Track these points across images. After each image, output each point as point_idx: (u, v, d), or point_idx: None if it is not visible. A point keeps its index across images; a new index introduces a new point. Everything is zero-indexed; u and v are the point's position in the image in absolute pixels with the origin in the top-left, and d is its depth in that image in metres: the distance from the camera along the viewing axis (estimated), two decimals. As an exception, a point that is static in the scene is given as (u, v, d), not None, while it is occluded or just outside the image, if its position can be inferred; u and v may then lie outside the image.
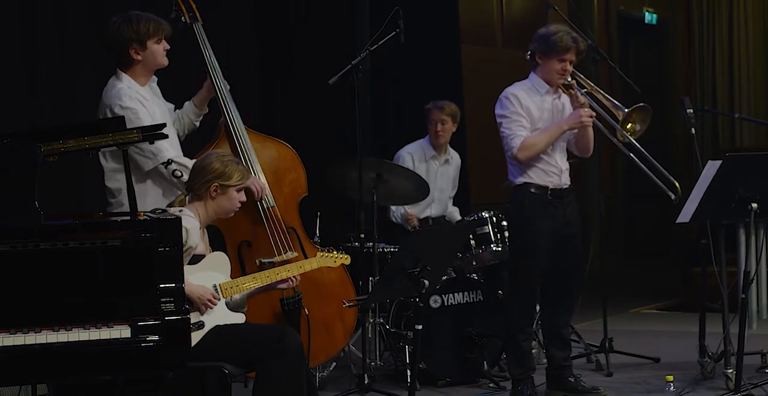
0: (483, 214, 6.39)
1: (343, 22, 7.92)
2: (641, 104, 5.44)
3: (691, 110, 6.08)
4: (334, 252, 4.85)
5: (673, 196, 5.44)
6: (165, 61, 4.99)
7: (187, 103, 5.27)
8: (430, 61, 8.37)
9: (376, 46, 5.88)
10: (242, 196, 4.59)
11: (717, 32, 11.90)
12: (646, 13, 12.21)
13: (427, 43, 8.10)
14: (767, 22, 11.89)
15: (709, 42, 11.94)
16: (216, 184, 4.47)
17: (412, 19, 6.14)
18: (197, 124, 5.28)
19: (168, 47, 4.99)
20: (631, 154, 5.49)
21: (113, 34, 4.91)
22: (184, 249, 4.23)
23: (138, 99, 4.84)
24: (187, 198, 4.54)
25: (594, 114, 5.46)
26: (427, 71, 8.31)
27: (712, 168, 5.15)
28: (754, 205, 5.07)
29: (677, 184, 5.45)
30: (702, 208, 5.17)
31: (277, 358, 4.22)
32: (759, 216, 5.15)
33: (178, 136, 5.22)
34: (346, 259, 4.86)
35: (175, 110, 5.25)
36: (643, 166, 5.50)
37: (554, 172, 5.55)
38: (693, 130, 6.07)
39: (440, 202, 6.95)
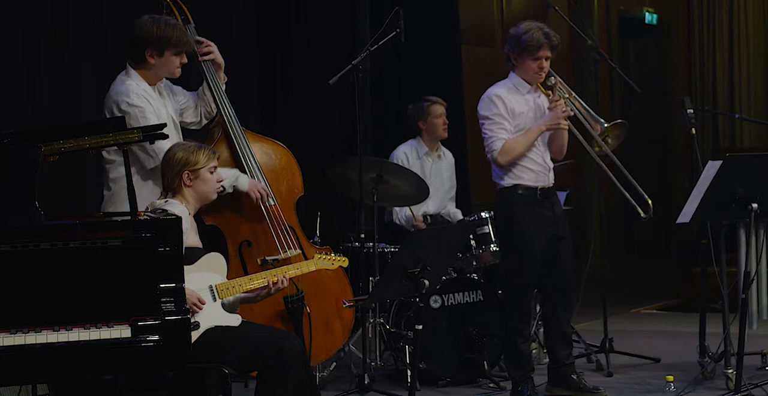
0: (483, 214, 6.39)
1: (343, 22, 7.93)
2: (620, 121, 5.46)
3: (692, 110, 6.09)
4: (332, 254, 4.84)
5: (643, 215, 5.45)
6: (177, 74, 4.98)
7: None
8: (430, 62, 8.37)
9: (376, 46, 5.88)
10: (218, 176, 4.60)
11: (717, 32, 11.90)
12: (647, 14, 12.22)
13: (427, 44, 8.10)
14: (767, 23, 11.90)
15: (709, 42, 11.95)
16: (186, 171, 4.49)
17: (413, 19, 6.14)
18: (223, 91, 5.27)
19: (185, 62, 4.98)
20: (605, 167, 5.51)
21: (137, 30, 4.89)
22: None
23: (145, 97, 4.84)
24: (167, 196, 4.55)
25: (571, 112, 5.44)
26: (428, 71, 8.31)
27: (712, 168, 5.15)
28: (755, 205, 5.07)
29: (650, 202, 5.44)
30: (702, 209, 5.17)
31: (277, 372, 4.22)
32: (759, 216, 5.15)
33: (205, 110, 5.24)
34: (344, 262, 4.84)
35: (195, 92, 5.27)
36: (617, 181, 5.50)
37: (542, 171, 5.56)
38: (693, 130, 6.08)
39: (437, 198, 6.93)
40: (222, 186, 4.79)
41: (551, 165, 5.63)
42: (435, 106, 6.92)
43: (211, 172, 4.55)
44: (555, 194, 5.65)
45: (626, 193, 5.48)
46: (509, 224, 5.57)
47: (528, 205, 5.50)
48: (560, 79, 5.57)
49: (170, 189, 4.54)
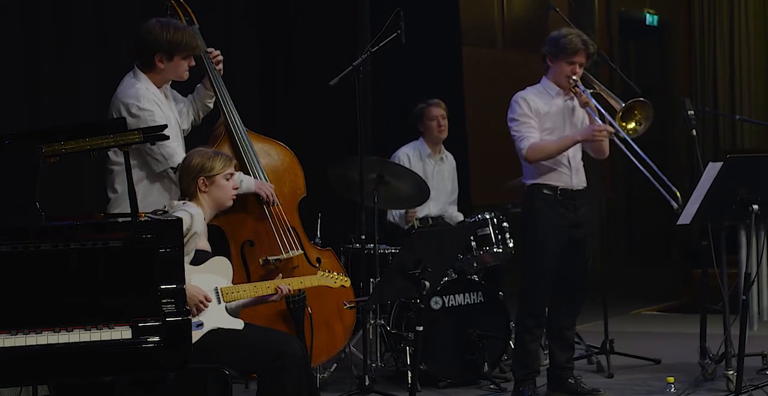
0: (484, 215, 6.39)
1: (344, 23, 7.93)
2: (641, 99, 5.43)
3: (692, 111, 6.09)
4: (335, 273, 4.84)
5: (675, 206, 5.43)
6: (185, 77, 4.98)
7: (198, 86, 5.26)
8: (431, 63, 8.37)
9: (377, 47, 5.88)
10: (234, 183, 4.61)
11: (718, 33, 11.90)
12: (647, 15, 12.21)
13: (428, 45, 8.09)
14: (768, 24, 11.91)
15: (710, 43, 11.95)
16: (201, 177, 4.51)
17: (413, 20, 6.14)
18: (210, 105, 5.27)
19: (193, 64, 4.98)
20: (633, 159, 5.50)
21: (146, 35, 4.86)
22: (189, 234, 4.26)
23: (155, 101, 4.84)
24: (185, 201, 4.56)
25: (612, 131, 5.44)
26: (428, 72, 8.31)
27: (713, 169, 5.14)
28: (755, 206, 5.06)
29: (678, 193, 5.44)
30: (703, 210, 5.16)
31: (278, 374, 4.23)
32: (760, 217, 5.14)
33: (194, 119, 5.24)
34: (347, 282, 4.85)
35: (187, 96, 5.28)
36: (645, 171, 5.49)
37: (566, 172, 5.56)
38: (694, 132, 6.08)
39: (438, 200, 6.92)
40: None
41: (579, 166, 5.63)
42: (429, 109, 6.93)
43: (227, 179, 4.56)
44: (583, 197, 5.64)
45: (657, 184, 5.46)
46: (528, 221, 5.63)
47: (548, 204, 5.52)
48: (589, 76, 5.59)
49: (186, 194, 4.56)
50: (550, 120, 5.55)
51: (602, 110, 5.50)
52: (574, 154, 5.62)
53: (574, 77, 5.53)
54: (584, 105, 5.54)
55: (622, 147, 5.50)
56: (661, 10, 12.36)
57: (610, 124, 5.45)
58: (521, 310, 5.66)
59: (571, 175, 5.59)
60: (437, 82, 8.26)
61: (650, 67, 12.52)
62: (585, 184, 5.67)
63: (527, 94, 5.57)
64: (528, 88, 5.65)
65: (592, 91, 5.57)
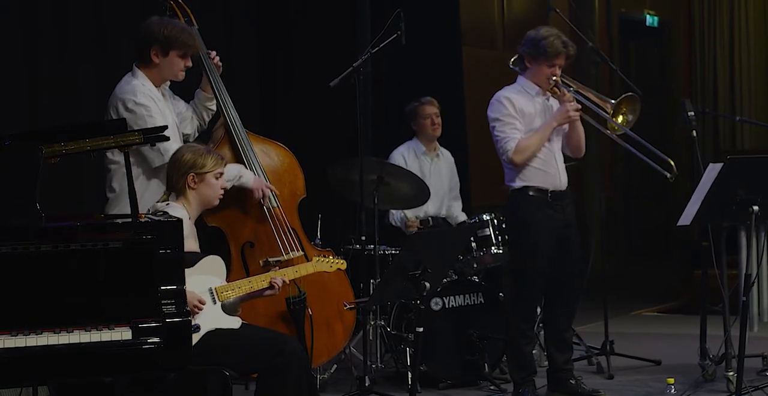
0: (484, 216, 6.38)
1: (344, 23, 7.92)
2: (629, 94, 5.47)
3: (692, 112, 6.09)
4: (330, 257, 4.83)
5: (668, 175, 5.46)
6: (181, 76, 5.00)
7: (197, 91, 5.27)
8: (431, 63, 8.36)
9: (377, 48, 5.88)
10: (223, 183, 4.60)
11: (718, 34, 11.90)
12: (648, 16, 12.21)
13: (428, 45, 8.09)
14: (768, 24, 11.91)
15: (710, 44, 11.95)
16: (192, 174, 4.49)
17: (413, 20, 6.14)
18: (213, 108, 5.28)
19: (190, 65, 4.98)
20: (627, 145, 5.53)
21: (144, 29, 4.90)
22: None
23: (151, 97, 4.86)
24: (170, 196, 4.54)
25: (580, 107, 5.46)
26: (428, 73, 8.31)
27: (713, 171, 5.14)
28: (756, 207, 5.06)
29: (672, 162, 5.46)
30: (703, 211, 5.16)
31: (277, 374, 4.22)
32: (760, 218, 5.14)
33: (200, 124, 5.27)
34: (342, 264, 4.84)
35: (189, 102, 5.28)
36: (637, 153, 5.53)
37: (554, 174, 5.56)
38: (694, 133, 6.08)
39: (437, 198, 6.90)
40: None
41: (563, 167, 5.63)
42: (422, 107, 6.94)
43: (217, 178, 4.55)
44: (568, 197, 5.64)
45: (645, 158, 5.52)
46: (518, 224, 5.61)
47: (538, 207, 5.51)
48: (564, 76, 5.59)
49: (174, 190, 4.53)
50: (536, 120, 5.54)
51: (590, 105, 5.50)
52: (558, 155, 5.61)
53: (554, 78, 5.52)
54: (568, 102, 5.54)
55: (614, 137, 5.53)
56: (661, 10, 12.35)
57: (599, 115, 5.48)
58: (515, 313, 5.63)
59: (559, 176, 5.59)
60: (437, 83, 8.25)
61: (650, 68, 12.51)
62: (567, 184, 5.67)
63: (510, 94, 5.54)
64: (506, 87, 5.62)
65: (572, 89, 5.56)
